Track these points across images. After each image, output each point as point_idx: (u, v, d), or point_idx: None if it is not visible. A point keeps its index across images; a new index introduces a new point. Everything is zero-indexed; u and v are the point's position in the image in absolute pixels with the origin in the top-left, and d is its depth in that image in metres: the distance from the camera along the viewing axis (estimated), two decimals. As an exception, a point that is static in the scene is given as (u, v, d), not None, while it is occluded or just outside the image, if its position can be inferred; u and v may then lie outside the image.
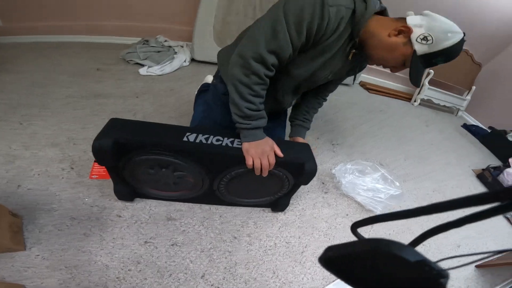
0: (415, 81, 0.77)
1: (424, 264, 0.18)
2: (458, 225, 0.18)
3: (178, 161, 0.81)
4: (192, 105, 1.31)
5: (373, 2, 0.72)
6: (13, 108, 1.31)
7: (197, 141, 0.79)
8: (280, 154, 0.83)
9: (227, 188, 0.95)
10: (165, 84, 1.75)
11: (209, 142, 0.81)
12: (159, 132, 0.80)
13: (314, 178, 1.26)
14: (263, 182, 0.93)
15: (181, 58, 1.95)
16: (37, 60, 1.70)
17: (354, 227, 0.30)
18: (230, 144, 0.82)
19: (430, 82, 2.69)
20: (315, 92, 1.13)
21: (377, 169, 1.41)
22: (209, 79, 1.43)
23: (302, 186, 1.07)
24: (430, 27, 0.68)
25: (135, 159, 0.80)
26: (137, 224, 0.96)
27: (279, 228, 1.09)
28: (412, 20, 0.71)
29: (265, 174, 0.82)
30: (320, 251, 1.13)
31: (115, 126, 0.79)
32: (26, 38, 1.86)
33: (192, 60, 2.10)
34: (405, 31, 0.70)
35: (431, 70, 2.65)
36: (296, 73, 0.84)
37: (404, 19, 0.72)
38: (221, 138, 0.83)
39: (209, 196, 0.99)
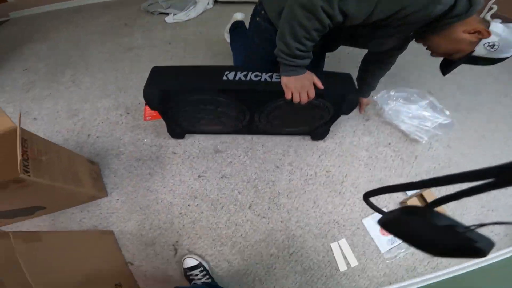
0: (447, 73, 0.80)
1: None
2: (457, 198, 0.19)
3: (221, 98, 0.85)
4: (223, 45, 1.29)
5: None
6: (60, 72, 1.44)
7: (236, 78, 0.82)
8: (320, 86, 0.81)
9: (268, 119, 0.98)
10: (193, 29, 1.73)
11: (247, 78, 0.82)
12: (199, 74, 0.84)
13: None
14: (302, 112, 0.94)
15: (204, 1, 1.88)
16: (63, 26, 1.77)
17: (366, 196, 0.29)
18: (268, 79, 0.82)
19: (492, 16, 2.16)
20: (378, 64, 1.04)
21: (425, 96, 1.28)
22: (238, 16, 1.38)
23: (342, 114, 1.06)
24: (504, 38, 0.67)
25: (181, 100, 0.86)
26: (189, 159, 1.08)
27: (319, 157, 1.12)
28: (496, 28, 0.68)
29: (303, 103, 0.83)
30: (360, 181, 1.13)
31: (159, 74, 0.84)
32: (42, 8, 1.92)
33: (215, 2, 2.00)
34: (483, 34, 0.68)
35: (494, 5, 2.10)
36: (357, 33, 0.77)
37: (488, 22, 0.70)
38: (259, 74, 0.84)
39: (251, 127, 1.04)
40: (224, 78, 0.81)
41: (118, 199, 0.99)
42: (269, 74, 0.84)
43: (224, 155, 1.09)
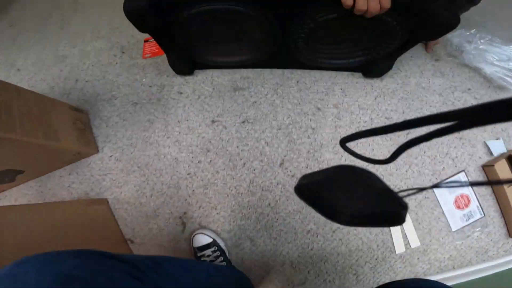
0: None
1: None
2: (427, 139, 0.16)
3: (238, 7, 0.57)
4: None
5: None
6: (47, 16, 1.24)
7: None
8: None
9: (308, 42, 0.70)
10: None
11: None
12: None
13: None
14: (360, 34, 0.65)
15: None
16: None
17: (343, 142, 0.24)
18: None
19: None
20: None
21: None
22: None
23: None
24: None
25: (182, 15, 0.59)
26: (200, 100, 0.82)
27: (375, 98, 0.83)
28: None
29: (371, 14, 0.54)
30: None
31: None
32: None
33: None
34: None
35: None
36: None
37: None
38: None
39: (282, 57, 0.76)
40: None
41: (111, 156, 0.77)
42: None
43: (246, 93, 0.82)
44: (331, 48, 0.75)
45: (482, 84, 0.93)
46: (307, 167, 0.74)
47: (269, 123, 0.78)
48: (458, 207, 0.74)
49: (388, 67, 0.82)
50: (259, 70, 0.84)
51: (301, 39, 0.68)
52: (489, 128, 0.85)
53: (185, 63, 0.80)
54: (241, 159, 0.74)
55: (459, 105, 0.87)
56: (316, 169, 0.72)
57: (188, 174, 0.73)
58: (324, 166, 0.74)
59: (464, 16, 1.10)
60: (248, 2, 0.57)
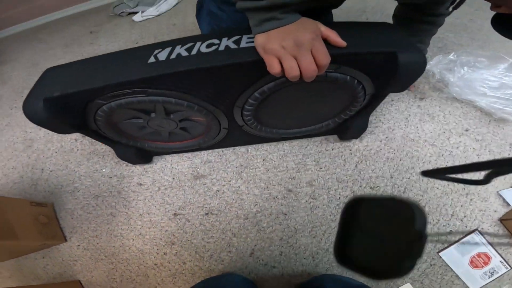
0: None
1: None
2: None
3: (161, 97, 0.49)
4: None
5: None
6: (19, 93, 1.24)
7: (173, 57, 0.45)
8: (339, 42, 0.42)
9: (258, 118, 0.61)
10: (165, 23, 1.44)
11: (193, 52, 0.45)
12: (113, 64, 0.48)
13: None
14: (316, 97, 0.56)
15: (177, -9, 1.58)
16: (29, 45, 1.62)
17: (425, 174, 0.25)
18: (233, 45, 0.45)
19: None
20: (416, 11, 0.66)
21: (500, 59, 0.85)
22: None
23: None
24: None
25: (100, 112, 0.52)
26: (161, 191, 0.75)
27: (356, 166, 0.73)
28: None
29: (308, 78, 0.42)
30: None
31: (50, 77, 0.51)
32: (8, 30, 1.78)
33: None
34: None
35: None
36: None
37: None
38: (216, 41, 0.46)
39: (239, 134, 0.68)
40: (151, 60, 0.46)
41: (78, 245, 0.75)
42: (235, 38, 0.46)
43: (208, 182, 0.74)
44: (290, 117, 0.65)
45: (481, 120, 0.81)
46: (281, 255, 0.66)
47: (235, 213, 0.70)
48: (476, 266, 0.63)
49: (363, 127, 0.72)
50: (221, 150, 0.77)
51: (249, 116, 0.58)
52: (500, 177, 0.72)
53: (137, 153, 0.73)
54: (207, 251, 0.68)
55: (459, 153, 0.75)
56: (292, 255, 0.65)
57: (155, 264, 0.69)
58: (301, 252, 0.65)
59: (438, 38, 0.98)
60: (170, 89, 0.48)
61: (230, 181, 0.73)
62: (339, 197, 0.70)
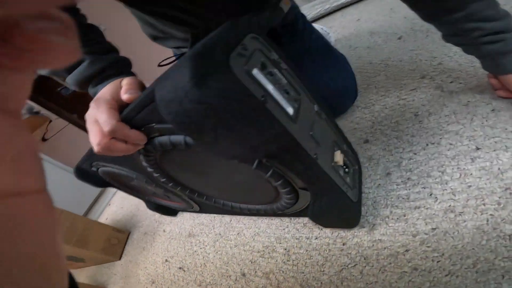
0: None
1: None
2: None
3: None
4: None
5: None
6: None
7: None
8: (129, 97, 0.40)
9: (194, 193, 0.64)
10: None
11: None
12: None
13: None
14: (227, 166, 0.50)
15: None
16: None
17: None
18: None
19: None
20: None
21: None
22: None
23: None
24: None
25: (102, 174, 0.63)
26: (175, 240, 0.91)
27: (340, 271, 0.53)
28: None
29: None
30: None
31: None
32: None
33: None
34: None
35: None
36: None
37: None
38: None
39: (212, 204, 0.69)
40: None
41: (122, 265, 1.01)
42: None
43: (194, 241, 0.82)
44: (234, 191, 0.60)
45: None
46: None
47: (195, 278, 0.73)
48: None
49: (346, 211, 0.52)
50: (213, 216, 0.83)
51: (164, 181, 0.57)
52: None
53: (157, 207, 0.86)
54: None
55: None
56: None
57: None
58: None
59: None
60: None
61: (206, 246, 0.77)
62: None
